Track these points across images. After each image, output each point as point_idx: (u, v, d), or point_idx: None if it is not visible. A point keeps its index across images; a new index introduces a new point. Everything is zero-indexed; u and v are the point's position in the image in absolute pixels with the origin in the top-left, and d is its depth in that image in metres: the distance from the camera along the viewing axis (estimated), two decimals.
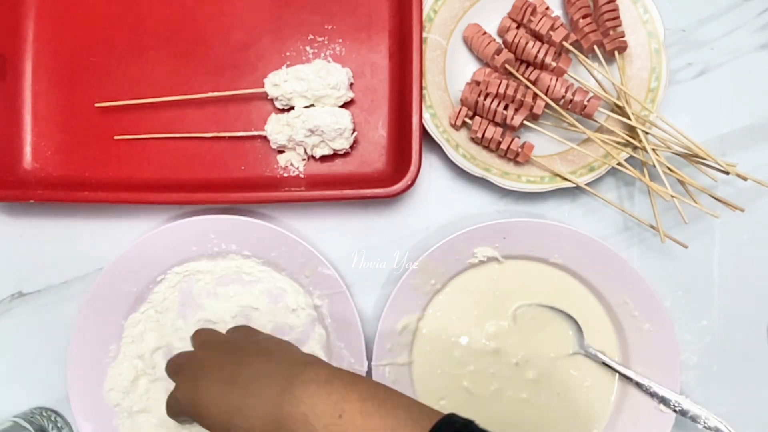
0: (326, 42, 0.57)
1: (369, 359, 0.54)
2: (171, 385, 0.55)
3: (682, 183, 0.52)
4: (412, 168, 0.52)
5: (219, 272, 0.56)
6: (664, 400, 0.53)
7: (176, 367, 0.48)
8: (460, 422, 0.37)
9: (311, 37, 0.57)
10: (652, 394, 0.53)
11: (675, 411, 0.53)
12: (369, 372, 0.54)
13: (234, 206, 0.56)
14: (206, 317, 0.56)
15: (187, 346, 0.55)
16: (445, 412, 0.38)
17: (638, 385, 0.53)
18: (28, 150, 0.57)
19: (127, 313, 0.56)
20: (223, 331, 0.52)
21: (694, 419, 0.52)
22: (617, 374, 0.55)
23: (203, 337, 0.51)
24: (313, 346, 0.55)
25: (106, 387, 0.55)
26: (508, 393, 0.55)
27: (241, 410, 0.40)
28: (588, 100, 0.52)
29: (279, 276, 0.56)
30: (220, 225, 0.54)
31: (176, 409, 0.46)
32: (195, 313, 0.56)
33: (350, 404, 0.39)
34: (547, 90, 0.52)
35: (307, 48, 0.57)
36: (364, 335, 0.53)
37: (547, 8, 0.54)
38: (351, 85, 0.56)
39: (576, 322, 0.55)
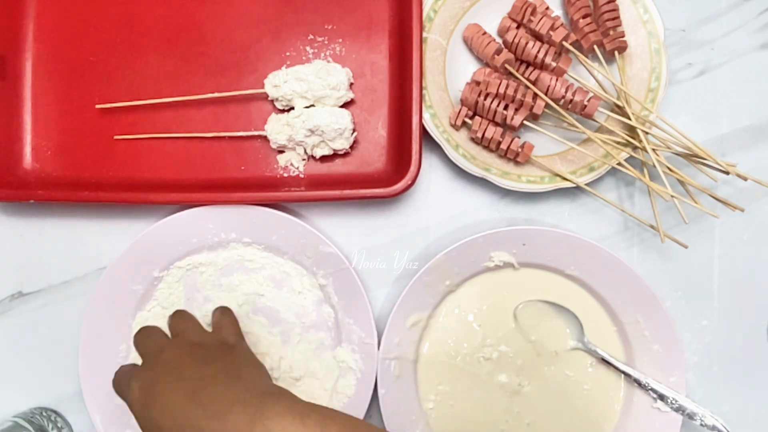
0: (326, 42, 0.57)
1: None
2: None
3: (682, 183, 0.52)
4: (412, 168, 0.52)
5: (221, 263, 0.56)
6: (662, 397, 0.53)
7: (143, 347, 0.46)
8: None
9: (311, 37, 0.57)
10: (651, 391, 0.53)
11: (672, 408, 0.53)
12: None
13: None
14: (213, 309, 0.56)
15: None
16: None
17: (637, 382, 0.54)
18: (28, 150, 0.57)
19: (134, 311, 0.56)
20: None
21: (690, 417, 0.52)
22: (622, 375, 0.55)
23: (181, 325, 0.49)
24: (322, 326, 0.56)
25: None
26: (516, 396, 0.55)
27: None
28: (588, 100, 0.52)
29: (281, 260, 0.56)
30: (218, 214, 0.54)
31: (123, 391, 0.44)
32: (202, 306, 0.56)
33: None
34: (547, 90, 0.52)
35: (307, 48, 0.57)
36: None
37: (547, 8, 0.54)
38: (351, 85, 0.56)
39: (575, 317, 0.55)
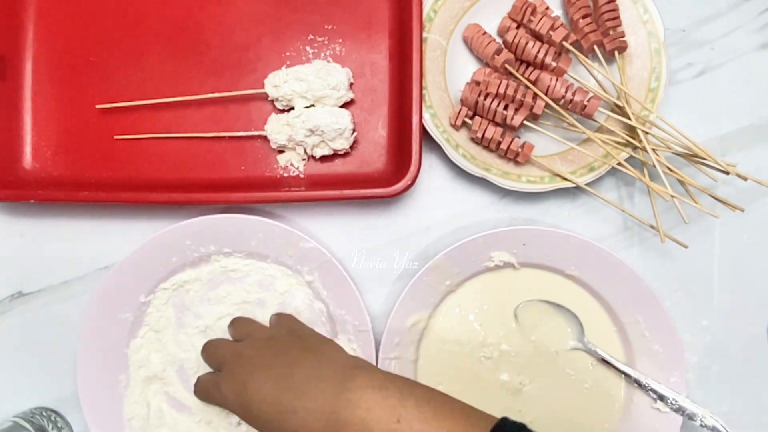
0: (326, 42, 0.57)
1: (377, 350, 0.54)
2: (191, 403, 0.56)
3: (682, 183, 0.52)
4: (412, 168, 0.52)
5: (206, 277, 0.56)
6: (662, 398, 0.53)
7: (218, 357, 0.50)
8: (514, 425, 0.39)
9: (311, 37, 0.57)
10: (651, 391, 0.53)
11: (672, 409, 0.53)
12: (376, 341, 0.54)
13: (233, 206, 0.56)
14: (205, 324, 0.56)
15: (193, 357, 0.55)
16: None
17: (638, 383, 0.54)
18: (28, 150, 0.57)
19: (127, 340, 0.55)
20: (264, 322, 0.54)
21: (690, 417, 0.52)
22: (623, 375, 0.55)
23: (244, 329, 0.52)
24: (316, 322, 0.55)
25: (126, 417, 0.55)
26: (518, 394, 0.55)
27: (296, 412, 0.42)
28: (588, 100, 0.52)
29: (265, 264, 0.56)
30: (192, 229, 0.54)
31: (217, 399, 0.48)
32: (194, 323, 0.56)
33: (407, 409, 0.40)
34: (547, 90, 0.52)
35: (307, 48, 0.57)
36: (372, 327, 0.54)
37: (547, 8, 0.54)
38: (351, 85, 0.56)
39: (576, 317, 0.55)
